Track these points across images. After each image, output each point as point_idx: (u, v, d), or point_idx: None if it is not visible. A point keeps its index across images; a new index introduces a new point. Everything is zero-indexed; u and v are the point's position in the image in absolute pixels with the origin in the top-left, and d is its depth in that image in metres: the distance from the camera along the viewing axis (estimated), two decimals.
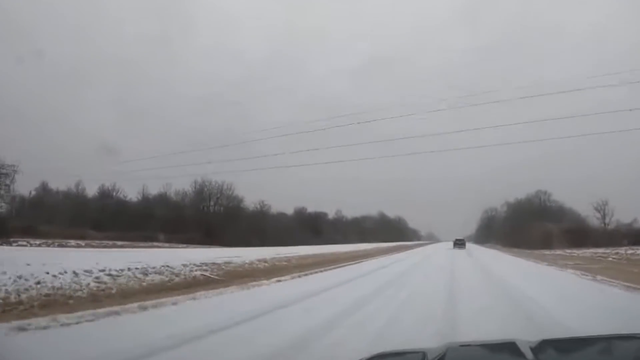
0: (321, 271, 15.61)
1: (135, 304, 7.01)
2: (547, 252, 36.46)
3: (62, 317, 5.75)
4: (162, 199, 47.60)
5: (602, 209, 54.24)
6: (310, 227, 63.61)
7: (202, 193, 47.67)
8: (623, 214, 54.31)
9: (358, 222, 79.93)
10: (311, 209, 67.29)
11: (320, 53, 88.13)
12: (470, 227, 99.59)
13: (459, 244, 45.56)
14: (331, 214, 73.15)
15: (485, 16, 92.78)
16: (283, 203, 74.78)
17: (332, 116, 77.29)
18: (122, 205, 46.30)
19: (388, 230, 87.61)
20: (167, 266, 11.52)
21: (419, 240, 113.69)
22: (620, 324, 5.43)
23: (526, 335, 2.41)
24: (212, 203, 47.84)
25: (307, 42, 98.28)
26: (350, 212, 79.85)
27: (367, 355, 1.93)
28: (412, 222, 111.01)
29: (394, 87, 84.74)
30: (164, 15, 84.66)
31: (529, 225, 54.85)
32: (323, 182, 76.65)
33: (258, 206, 55.00)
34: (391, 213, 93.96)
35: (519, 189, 74.02)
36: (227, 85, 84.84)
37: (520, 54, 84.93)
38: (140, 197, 47.83)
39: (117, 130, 70.19)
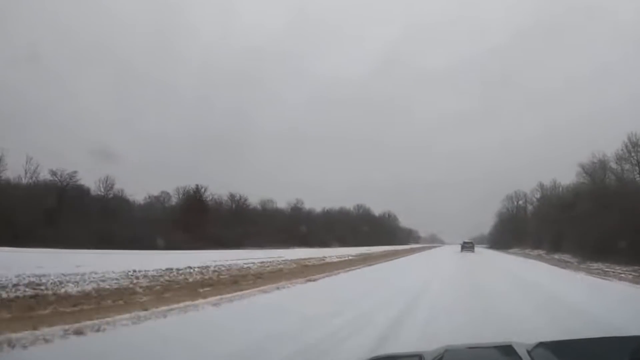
0: None
1: None
2: None
3: None
4: None
5: None
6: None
7: None
8: None
9: (313, 219, 53.02)
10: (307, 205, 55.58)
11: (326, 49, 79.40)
12: (483, 227, 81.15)
13: (467, 247, 45.37)
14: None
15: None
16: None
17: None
18: None
19: (374, 230, 65.95)
20: None
21: (416, 243, 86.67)
22: None
23: None
24: None
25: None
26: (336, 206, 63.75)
27: (363, 359, 1.91)
28: (411, 222, 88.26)
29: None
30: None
31: None
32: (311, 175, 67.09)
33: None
34: (387, 209, 75.24)
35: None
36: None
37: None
38: None
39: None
